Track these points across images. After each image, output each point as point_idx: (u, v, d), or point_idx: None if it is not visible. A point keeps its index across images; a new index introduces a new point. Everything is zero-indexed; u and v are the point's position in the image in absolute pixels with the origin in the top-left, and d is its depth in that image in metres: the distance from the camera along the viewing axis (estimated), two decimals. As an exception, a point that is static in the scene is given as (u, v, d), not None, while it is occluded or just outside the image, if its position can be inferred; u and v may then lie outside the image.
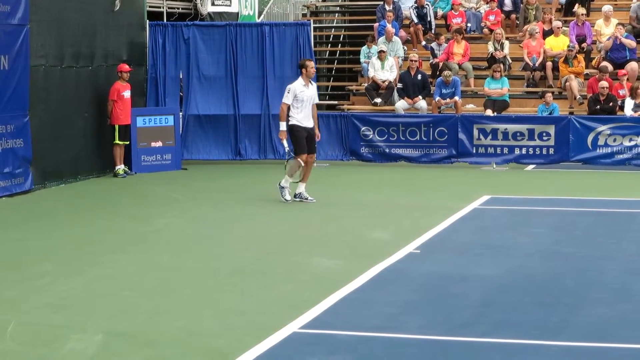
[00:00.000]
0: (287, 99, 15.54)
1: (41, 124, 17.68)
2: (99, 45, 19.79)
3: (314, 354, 7.71)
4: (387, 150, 21.20)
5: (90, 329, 8.41)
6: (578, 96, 22.01)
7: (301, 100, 15.52)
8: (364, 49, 24.19)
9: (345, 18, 30.55)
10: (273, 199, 16.33)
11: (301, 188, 15.85)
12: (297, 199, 15.85)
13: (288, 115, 15.59)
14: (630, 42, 22.67)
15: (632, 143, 20.22)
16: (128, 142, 19.95)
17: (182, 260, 11.52)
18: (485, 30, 24.88)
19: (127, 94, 19.80)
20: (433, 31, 25.21)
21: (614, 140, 20.31)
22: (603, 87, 20.99)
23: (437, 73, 23.05)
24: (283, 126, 15.58)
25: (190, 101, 21.78)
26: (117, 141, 19.65)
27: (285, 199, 15.74)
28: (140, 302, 9.48)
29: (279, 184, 15.92)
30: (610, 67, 21.88)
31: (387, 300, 9.41)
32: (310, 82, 15.70)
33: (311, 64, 15.74)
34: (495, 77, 22.19)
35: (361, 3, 29.24)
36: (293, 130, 15.59)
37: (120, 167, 19.76)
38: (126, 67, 19.89)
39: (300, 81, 15.61)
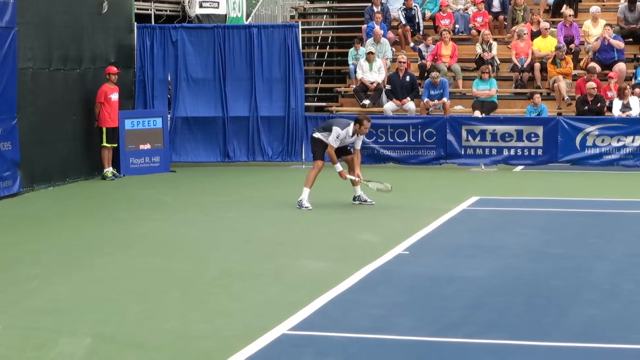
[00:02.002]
0: (334, 142, 15.31)
1: (29, 127, 17.62)
2: (87, 48, 19.74)
3: (303, 356, 7.71)
4: (375, 151, 21.18)
5: (79, 332, 8.38)
6: (566, 97, 22.04)
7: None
8: (351, 50, 24.19)
9: (334, 20, 30.56)
10: (261, 201, 16.31)
11: (358, 191, 15.77)
12: (357, 202, 15.73)
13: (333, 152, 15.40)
14: (618, 43, 22.70)
15: (620, 144, 20.24)
16: (116, 145, 19.91)
17: (170, 262, 11.49)
18: (473, 31, 24.89)
19: (114, 96, 19.75)
20: (421, 33, 25.23)
21: (602, 141, 20.32)
22: (591, 88, 21.01)
23: (425, 74, 23.06)
24: (338, 167, 15.34)
25: (179, 103, 21.74)
26: (105, 144, 19.61)
27: (305, 207, 15.24)
28: (129, 305, 9.45)
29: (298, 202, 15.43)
30: (598, 68, 21.90)
31: (376, 302, 9.41)
32: (357, 134, 15.45)
33: (367, 125, 15.38)
34: (483, 78, 22.19)
35: (349, 5, 29.24)
36: (316, 140, 15.51)
37: (109, 170, 19.71)
38: (114, 69, 19.86)
39: (349, 131, 15.32)
